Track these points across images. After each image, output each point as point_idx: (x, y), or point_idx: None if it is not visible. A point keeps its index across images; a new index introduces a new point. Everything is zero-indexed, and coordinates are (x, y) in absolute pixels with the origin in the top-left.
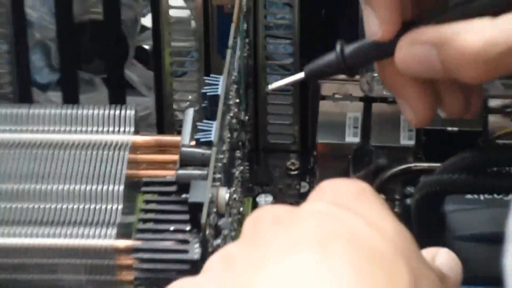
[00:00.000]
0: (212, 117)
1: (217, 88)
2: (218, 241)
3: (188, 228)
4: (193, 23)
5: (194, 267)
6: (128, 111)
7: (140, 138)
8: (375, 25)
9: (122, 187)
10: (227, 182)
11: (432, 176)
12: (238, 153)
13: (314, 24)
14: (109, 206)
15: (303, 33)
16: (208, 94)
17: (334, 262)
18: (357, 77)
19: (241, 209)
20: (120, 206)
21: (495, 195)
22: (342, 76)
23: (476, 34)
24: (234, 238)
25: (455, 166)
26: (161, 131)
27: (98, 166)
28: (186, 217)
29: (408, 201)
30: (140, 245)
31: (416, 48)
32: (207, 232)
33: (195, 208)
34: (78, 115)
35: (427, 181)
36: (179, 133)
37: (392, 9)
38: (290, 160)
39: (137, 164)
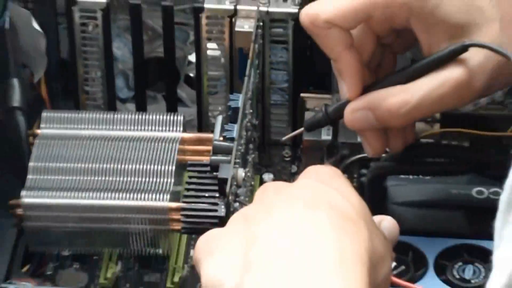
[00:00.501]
0: (234, 122)
1: (238, 102)
2: (237, 204)
3: (217, 195)
4: (222, 59)
5: (221, 221)
6: (178, 117)
7: (186, 135)
8: (344, 91)
9: (173, 167)
10: (243, 164)
11: (378, 163)
12: (251, 146)
13: (302, 61)
14: (165, 180)
15: (294, 67)
16: (232, 106)
17: (317, 218)
18: (329, 96)
19: (252, 183)
20: (172, 180)
21: (419, 176)
22: (321, 95)
23: (395, 98)
24: (248, 202)
25: (393, 157)
26: (200, 130)
27: (159, 153)
28: (215, 188)
29: (362, 179)
30: (185, 206)
31: (357, 113)
32: (230, 198)
33: (222, 182)
34: (146, 119)
35: (375, 166)
36: (212, 132)
37: (355, 82)
38: (285, 151)
39: (184, 152)
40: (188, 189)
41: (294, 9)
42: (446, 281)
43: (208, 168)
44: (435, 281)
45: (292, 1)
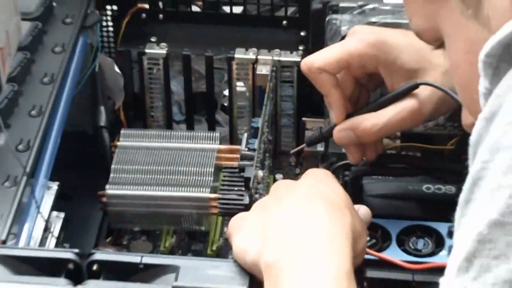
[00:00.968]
0: (255, 137)
1: (258, 124)
2: (257, 195)
3: (243, 189)
4: (247, 93)
5: (246, 208)
6: (216, 134)
7: (221, 147)
8: (332, 117)
9: (212, 169)
10: (262, 167)
11: (357, 167)
12: (267, 154)
13: (303, 95)
14: (206, 178)
15: (298, 99)
16: (253, 126)
17: (315, 206)
18: (323, 120)
19: (268, 181)
20: (211, 178)
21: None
22: (317, 119)
23: (369, 122)
24: (265, 194)
25: (367, 163)
26: (231, 143)
27: (202, 159)
28: (242, 184)
29: (346, 178)
30: (220, 196)
31: (342, 133)
32: (252, 191)
33: (247, 180)
34: (193, 135)
35: (355, 170)
36: (240, 144)
37: (340, 111)
38: (291, 158)
39: (220, 159)
40: (222, 185)
41: (297, 59)
42: (404, 251)
43: (237, 170)
44: (397, 251)
45: (296, 53)
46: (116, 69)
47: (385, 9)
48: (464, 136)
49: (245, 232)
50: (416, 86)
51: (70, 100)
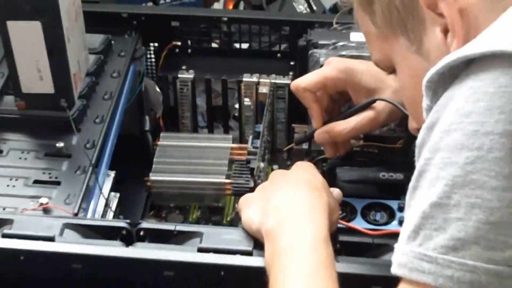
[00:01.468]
0: (258, 138)
1: (260, 128)
2: (259, 181)
3: (249, 176)
4: (252, 107)
5: (251, 190)
6: (229, 136)
7: (233, 145)
8: (313, 123)
9: (227, 161)
10: (263, 160)
11: (332, 160)
12: (266, 151)
13: (293, 108)
14: (222, 168)
15: (289, 111)
16: (256, 130)
17: (301, 188)
18: (307, 126)
19: (267, 170)
20: (226, 168)
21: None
22: (303, 126)
23: (340, 127)
24: (265, 180)
25: (339, 157)
26: (241, 143)
27: (219, 154)
28: (249, 172)
29: (324, 168)
30: (233, 181)
31: (321, 135)
32: (256, 178)
33: (252, 170)
34: (213, 137)
35: (330, 162)
36: (247, 143)
37: (318, 120)
38: (284, 154)
39: (232, 154)
40: (234, 173)
41: (288, 81)
42: (366, 221)
43: (244, 162)
44: (361, 221)
45: (287, 77)
46: (157, 89)
47: (352, 45)
48: (409, 138)
49: (251, 207)
50: (374, 101)
51: (123, 111)
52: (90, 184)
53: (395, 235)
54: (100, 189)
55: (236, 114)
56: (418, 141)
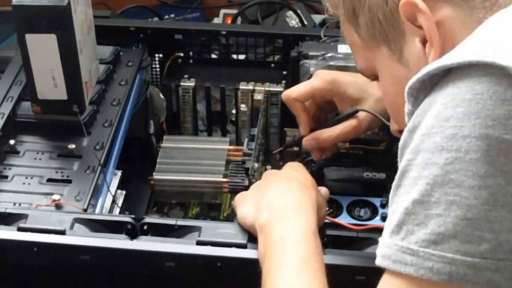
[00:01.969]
0: (253, 141)
1: (255, 131)
2: (253, 179)
3: (244, 175)
4: (248, 112)
5: (246, 188)
6: (227, 139)
7: (230, 147)
8: (301, 129)
9: (224, 162)
10: (257, 161)
11: (320, 161)
12: (261, 152)
13: (285, 113)
14: (220, 168)
15: (281, 116)
16: (251, 134)
17: (292, 186)
18: (297, 130)
19: (261, 170)
20: (223, 168)
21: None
22: (293, 130)
23: (326, 133)
24: (259, 179)
25: (326, 159)
26: (237, 145)
27: (218, 155)
28: (244, 172)
29: (313, 169)
30: (229, 180)
31: (309, 141)
32: (250, 176)
33: (247, 169)
34: (212, 140)
35: (318, 163)
36: (242, 146)
37: (305, 127)
38: (276, 155)
39: (229, 155)
40: (231, 172)
41: (281, 89)
42: (351, 217)
43: (240, 163)
44: (346, 217)
45: (280, 85)
46: (161, 95)
47: (339, 56)
48: (391, 140)
49: (245, 204)
50: (357, 111)
51: (130, 116)
52: (99, 182)
53: (377, 230)
54: (108, 187)
55: (233, 119)
56: (400, 143)
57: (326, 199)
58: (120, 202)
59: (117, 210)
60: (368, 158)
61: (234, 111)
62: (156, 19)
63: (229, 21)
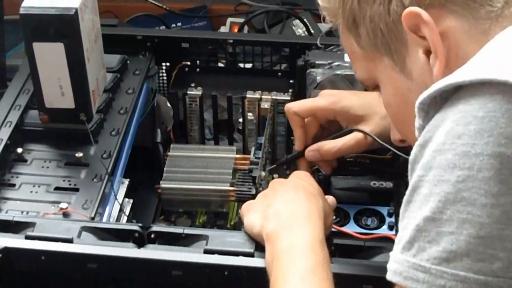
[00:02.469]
0: (260, 149)
1: (261, 140)
2: (260, 188)
3: (251, 184)
4: (255, 120)
5: (253, 197)
6: (233, 147)
7: (237, 155)
8: (295, 145)
9: (231, 171)
10: (264, 170)
11: None
12: (267, 161)
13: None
14: (227, 176)
15: (288, 125)
16: (258, 142)
17: (299, 194)
18: None
19: (268, 179)
20: (230, 176)
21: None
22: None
23: (328, 146)
24: (266, 187)
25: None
26: (244, 153)
27: (224, 164)
28: (251, 180)
29: (320, 177)
30: (236, 189)
31: (311, 152)
32: (257, 185)
33: (254, 178)
34: (219, 148)
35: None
36: (249, 154)
37: (300, 142)
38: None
39: (236, 164)
40: (237, 181)
41: (288, 98)
42: (358, 226)
43: (247, 171)
44: (353, 226)
45: (287, 94)
46: (168, 104)
47: (346, 65)
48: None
49: (252, 212)
50: (352, 130)
51: (137, 124)
52: (106, 191)
53: (385, 239)
54: (115, 196)
55: (240, 128)
56: (411, 158)
57: (333, 208)
58: (127, 210)
59: (124, 219)
60: (375, 167)
61: (241, 120)
62: (163, 27)
63: (236, 30)
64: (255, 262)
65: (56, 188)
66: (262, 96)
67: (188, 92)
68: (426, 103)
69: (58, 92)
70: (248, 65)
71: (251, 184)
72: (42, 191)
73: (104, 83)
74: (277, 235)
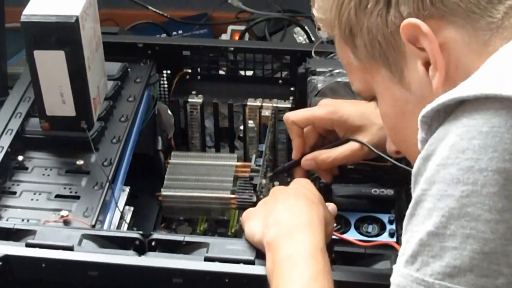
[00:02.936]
0: (261, 157)
1: (262, 148)
2: (261, 196)
3: (252, 191)
4: (255, 128)
5: (254, 204)
6: (234, 155)
7: (238, 163)
8: (293, 154)
9: (232, 178)
10: (265, 177)
11: None
12: (268, 169)
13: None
14: (228, 184)
15: (289, 136)
16: (259, 150)
17: (299, 202)
18: None
19: (269, 186)
20: (231, 184)
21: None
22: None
23: (324, 155)
24: (266, 195)
25: (335, 177)
26: (245, 161)
27: (225, 172)
28: (252, 188)
29: (320, 185)
30: (237, 196)
31: (307, 161)
32: (258, 193)
33: (255, 186)
34: (220, 156)
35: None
36: (250, 162)
37: (297, 151)
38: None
39: (237, 171)
40: (238, 189)
41: (289, 105)
42: (359, 233)
43: (248, 179)
44: (354, 233)
45: (288, 102)
46: (169, 112)
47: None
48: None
49: (253, 220)
50: (348, 140)
51: (138, 132)
52: (107, 199)
53: (386, 246)
54: (116, 203)
55: (241, 135)
56: (414, 170)
57: (333, 215)
58: (128, 218)
59: (125, 226)
60: (376, 174)
61: (242, 127)
62: (164, 35)
63: (237, 38)
64: (256, 269)
65: (57, 196)
66: (263, 104)
67: (189, 100)
68: (429, 116)
69: (59, 100)
70: (249, 73)
71: (252, 191)
72: (42, 199)
73: (105, 91)
74: (277, 243)
